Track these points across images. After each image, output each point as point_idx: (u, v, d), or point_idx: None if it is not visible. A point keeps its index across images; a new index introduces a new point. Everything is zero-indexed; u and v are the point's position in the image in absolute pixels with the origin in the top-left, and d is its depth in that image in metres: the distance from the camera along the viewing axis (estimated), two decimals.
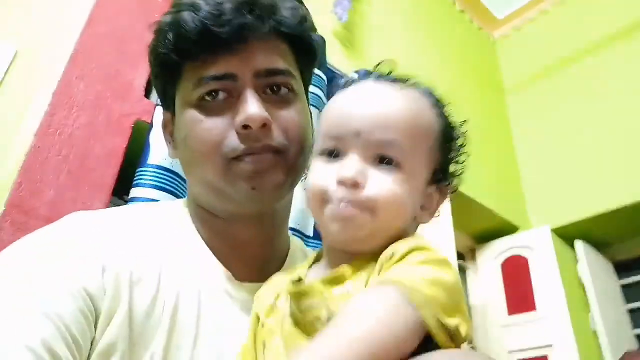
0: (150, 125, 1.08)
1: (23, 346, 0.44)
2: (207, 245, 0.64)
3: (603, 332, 2.14)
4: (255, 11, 0.58)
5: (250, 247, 0.66)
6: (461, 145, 0.56)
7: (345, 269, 0.49)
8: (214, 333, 0.58)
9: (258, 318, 0.56)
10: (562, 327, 2.10)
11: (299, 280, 0.52)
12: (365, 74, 0.57)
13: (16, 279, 0.50)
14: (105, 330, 0.51)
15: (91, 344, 0.50)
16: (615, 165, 2.32)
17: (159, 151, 1.03)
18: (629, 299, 2.44)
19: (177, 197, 1.02)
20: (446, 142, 0.54)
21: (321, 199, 0.50)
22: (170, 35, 0.60)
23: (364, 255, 0.50)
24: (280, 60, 0.62)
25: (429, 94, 0.55)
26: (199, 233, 0.65)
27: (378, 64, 0.57)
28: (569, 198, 2.40)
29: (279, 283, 0.57)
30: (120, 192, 1.09)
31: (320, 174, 0.51)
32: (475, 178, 2.14)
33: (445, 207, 1.73)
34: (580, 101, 2.55)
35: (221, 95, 0.60)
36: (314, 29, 0.67)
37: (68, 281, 0.50)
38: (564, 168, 2.49)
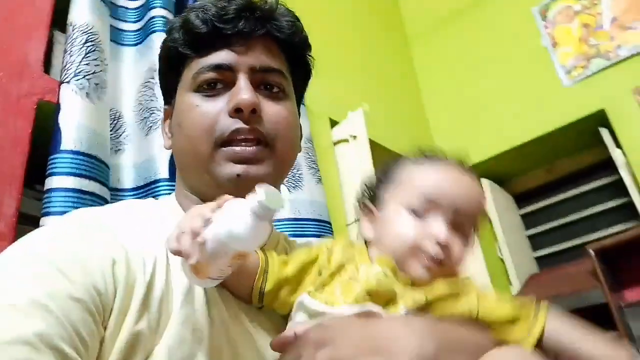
0: (57, 106, 0.98)
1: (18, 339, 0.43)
2: None
3: (509, 258, 2.39)
4: (256, 14, 0.67)
5: None
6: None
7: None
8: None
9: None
10: (474, 257, 2.30)
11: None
12: (439, 154, 0.72)
13: (22, 273, 0.49)
14: (123, 323, 0.51)
15: (101, 344, 0.50)
16: (514, 107, 2.52)
17: (71, 134, 0.95)
18: (527, 226, 2.72)
19: (101, 183, 0.95)
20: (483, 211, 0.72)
21: (415, 247, 0.64)
22: (179, 32, 0.69)
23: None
24: (275, 60, 0.70)
25: (479, 177, 0.71)
26: None
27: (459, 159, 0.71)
28: (474, 139, 2.58)
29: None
30: (32, 183, 0.99)
31: (414, 227, 0.65)
32: (384, 125, 2.23)
33: (366, 158, 1.79)
34: (481, 45, 2.71)
35: (219, 85, 0.67)
36: (308, 46, 0.75)
37: (76, 279, 0.50)
38: (468, 111, 2.67)
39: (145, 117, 1.14)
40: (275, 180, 0.67)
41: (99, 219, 0.62)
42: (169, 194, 1.06)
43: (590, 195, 2.64)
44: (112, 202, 0.98)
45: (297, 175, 1.44)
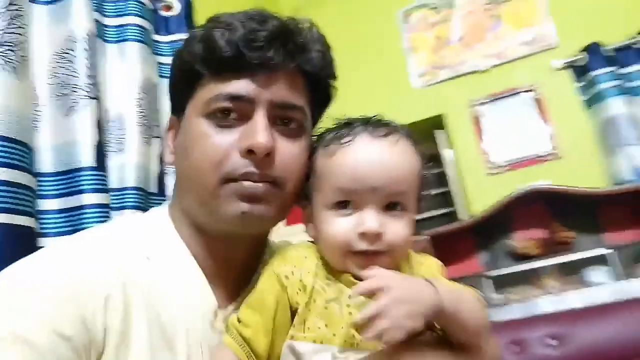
0: None
1: None
2: (197, 262, 0.65)
3: None
4: (287, 46, 0.60)
5: (237, 265, 0.68)
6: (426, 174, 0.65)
7: None
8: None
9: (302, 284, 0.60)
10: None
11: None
12: (354, 125, 0.62)
13: None
14: None
15: None
16: (366, 100, 2.79)
17: None
18: None
19: (22, 170, 0.85)
20: (422, 175, 0.63)
21: (346, 249, 0.58)
22: (199, 47, 0.61)
23: None
24: (298, 96, 0.64)
25: (410, 137, 0.63)
26: (188, 248, 0.66)
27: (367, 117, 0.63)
28: (325, 123, 2.80)
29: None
30: None
31: (340, 226, 0.58)
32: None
33: None
34: (341, 36, 2.88)
35: (233, 115, 0.61)
36: (335, 76, 0.68)
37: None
38: None
39: (64, 95, 1.02)
40: (277, 220, 0.66)
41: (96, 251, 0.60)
42: (95, 185, 1.01)
43: None
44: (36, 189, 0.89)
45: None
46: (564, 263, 2.27)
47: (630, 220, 2.28)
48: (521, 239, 2.38)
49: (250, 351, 0.58)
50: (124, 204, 1.14)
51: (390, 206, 0.59)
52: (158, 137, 1.29)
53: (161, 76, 1.36)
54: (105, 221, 1.01)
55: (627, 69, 2.46)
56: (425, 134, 2.90)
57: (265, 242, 0.74)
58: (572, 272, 2.27)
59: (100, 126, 1.06)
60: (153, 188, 1.24)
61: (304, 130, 0.66)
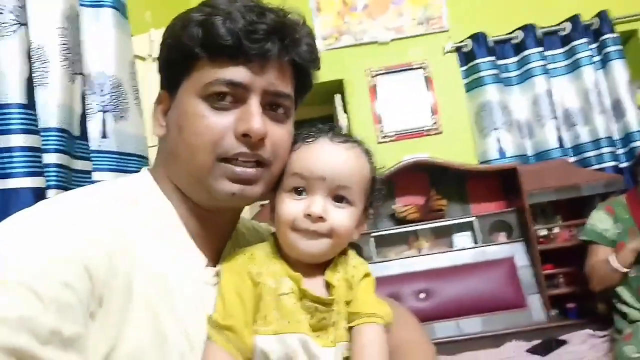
0: None
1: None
2: (187, 229, 0.68)
3: None
4: (284, 40, 0.66)
5: (219, 230, 0.73)
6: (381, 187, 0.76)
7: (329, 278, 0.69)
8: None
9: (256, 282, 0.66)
10: None
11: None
12: (321, 130, 0.72)
13: None
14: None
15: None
16: None
17: None
18: None
19: None
20: (373, 184, 0.74)
21: (292, 226, 0.67)
22: (198, 32, 0.64)
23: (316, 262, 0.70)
24: (287, 85, 0.69)
25: (366, 150, 0.73)
26: (180, 217, 0.69)
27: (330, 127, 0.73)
28: None
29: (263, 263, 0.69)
30: None
31: (291, 207, 0.68)
32: None
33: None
34: None
35: (228, 98, 0.65)
36: (319, 67, 0.74)
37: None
38: None
39: None
40: (263, 197, 0.71)
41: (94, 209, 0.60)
42: (24, 124, 0.89)
43: None
44: None
45: (124, 103, 1.32)
46: (436, 227, 2.57)
47: (492, 194, 2.66)
48: (402, 204, 2.62)
49: (241, 346, 0.62)
50: (47, 148, 1.01)
51: (337, 198, 0.69)
52: (81, 74, 1.15)
53: (82, 4, 1.21)
54: (35, 166, 0.90)
55: (503, 61, 2.79)
56: (324, 97, 2.98)
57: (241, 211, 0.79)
58: (442, 236, 2.59)
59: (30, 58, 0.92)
60: (77, 131, 1.12)
61: (289, 115, 0.71)
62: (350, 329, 0.67)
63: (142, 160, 1.36)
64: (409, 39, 2.86)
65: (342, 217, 0.68)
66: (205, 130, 0.64)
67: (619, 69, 2.65)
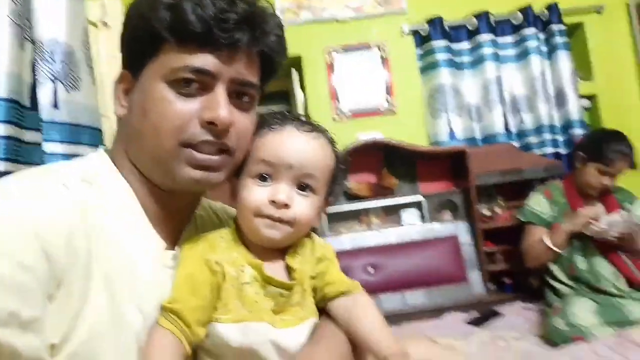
0: None
1: None
2: (145, 211, 0.68)
3: None
4: (254, 31, 0.65)
5: (178, 213, 0.73)
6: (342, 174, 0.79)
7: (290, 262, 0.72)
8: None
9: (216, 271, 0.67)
10: None
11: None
12: (287, 118, 0.73)
13: None
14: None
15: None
16: None
17: None
18: None
19: None
20: (336, 173, 0.76)
21: (256, 212, 0.69)
22: (167, 15, 0.62)
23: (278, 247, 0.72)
24: (254, 74, 0.69)
25: (330, 139, 0.75)
26: (138, 199, 0.68)
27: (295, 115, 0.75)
28: None
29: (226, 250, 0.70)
30: None
31: (256, 193, 0.69)
32: None
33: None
34: None
35: (194, 85, 0.64)
36: (286, 58, 0.74)
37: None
38: None
39: None
40: (224, 181, 0.71)
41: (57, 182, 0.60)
42: None
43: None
44: None
45: (76, 73, 1.28)
46: (386, 205, 2.66)
47: (439, 175, 2.77)
48: (354, 182, 2.68)
49: (185, 330, 0.62)
50: None
51: (302, 187, 0.70)
52: (32, 40, 1.11)
53: None
54: None
55: (457, 45, 2.87)
56: (280, 72, 2.97)
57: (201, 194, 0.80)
58: (391, 213, 2.68)
59: None
60: (26, 101, 1.08)
61: (254, 104, 0.72)
62: (327, 302, 0.74)
63: (95, 132, 1.34)
64: (368, 19, 2.88)
65: (305, 206, 0.70)
66: (171, 115, 0.63)
67: (564, 60, 2.78)
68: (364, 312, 0.72)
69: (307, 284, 0.73)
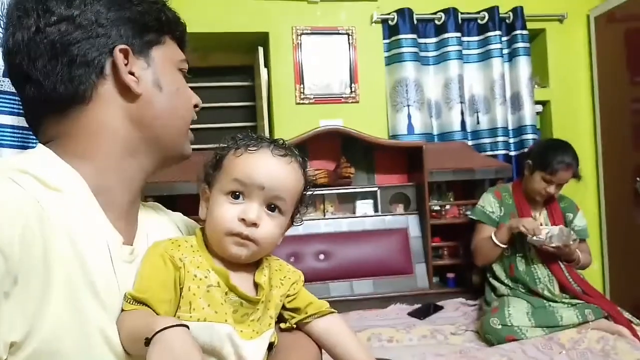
0: None
1: None
2: (101, 206, 0.67)
3: None
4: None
5: (137, 210, 0.77)
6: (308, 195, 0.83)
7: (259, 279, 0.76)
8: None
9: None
10: None
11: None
12: (263, 140, 0.77)
13: None
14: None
15: None
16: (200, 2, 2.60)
17: None
18: None
19: None
20: (304, 196, 0.81)
21: (227, 231, 0.72)
22: (164, 14, 0.74)
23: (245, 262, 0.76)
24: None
25: (302, 164, 0.79)
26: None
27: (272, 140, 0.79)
28: None
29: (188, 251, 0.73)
30: None
31: (227, 211, 0.73)
32: None
33: None
34: None
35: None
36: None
37: None
38: None
39: None
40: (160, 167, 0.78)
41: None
42: None
43: (225, 90, 3.15)
44: None
45: None
46: (342, 193, 2.69)
47: (396, 167, 2.82)
48: (313, 168, 2.68)
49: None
50: None
51: (271, 207, 0.74)
52: None
53: None
54: None
55: (424, 40, 2.88)
56: (246, 47, 2.90)
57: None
58: (347, 202, 2.71)
59: None
60: None
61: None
62: (305, 320, 0.82)
63: None
64: (339, 2, 2.84)
65: (272, 226, 0.74)
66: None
67: (524, 65, 2.87)
68: (343, 331, 0.82)
69: (273, 303, 0.77)
